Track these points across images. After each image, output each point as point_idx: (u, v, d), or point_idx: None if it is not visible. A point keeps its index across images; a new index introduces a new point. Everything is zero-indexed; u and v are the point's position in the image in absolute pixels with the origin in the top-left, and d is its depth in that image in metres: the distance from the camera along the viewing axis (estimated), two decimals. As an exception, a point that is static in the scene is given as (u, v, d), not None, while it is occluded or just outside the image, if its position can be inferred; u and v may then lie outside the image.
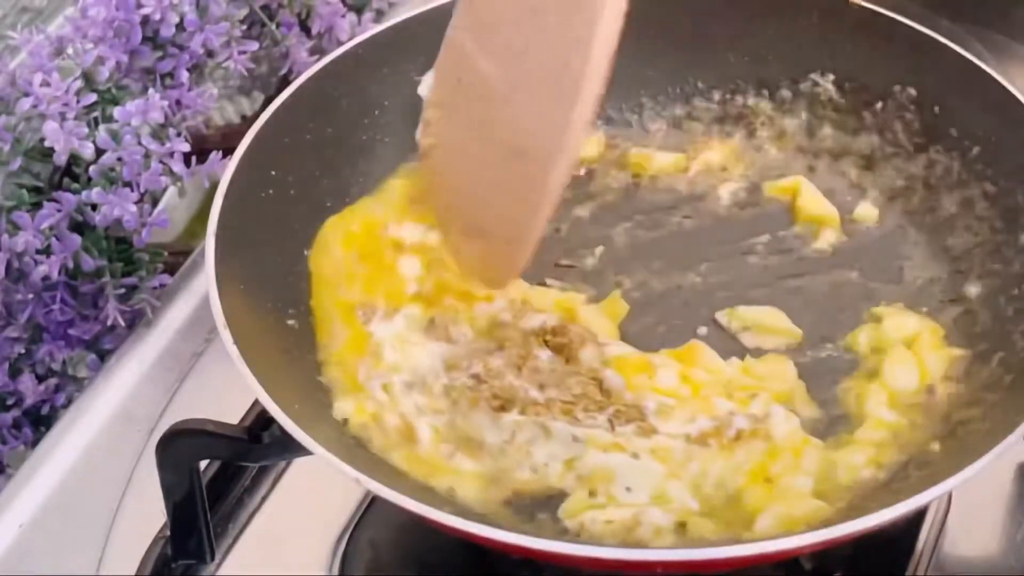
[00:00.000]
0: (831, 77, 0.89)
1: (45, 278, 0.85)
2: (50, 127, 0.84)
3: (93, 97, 0.86)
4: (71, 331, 0.89)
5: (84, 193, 0.85)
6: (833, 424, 0.75)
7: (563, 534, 0.68)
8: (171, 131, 0.87)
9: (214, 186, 0.78)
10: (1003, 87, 0.81)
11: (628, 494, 0.69)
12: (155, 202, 0.96)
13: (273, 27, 0.99)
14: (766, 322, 0.79)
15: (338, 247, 0.81)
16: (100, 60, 0.88)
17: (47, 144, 0.85)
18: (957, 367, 0.76)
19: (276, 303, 0.76)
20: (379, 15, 1.10)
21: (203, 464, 0.75)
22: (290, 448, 0.67)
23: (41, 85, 0.85)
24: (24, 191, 0.86)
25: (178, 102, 0.90)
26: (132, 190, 0.85)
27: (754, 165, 0.90)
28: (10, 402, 0.90)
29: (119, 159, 0.85)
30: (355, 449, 0.71)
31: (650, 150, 0.90)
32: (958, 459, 0.65)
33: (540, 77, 0.68)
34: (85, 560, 0.79)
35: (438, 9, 0.86)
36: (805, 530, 0.65)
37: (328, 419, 0.72)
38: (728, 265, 0.84)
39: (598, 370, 0.75)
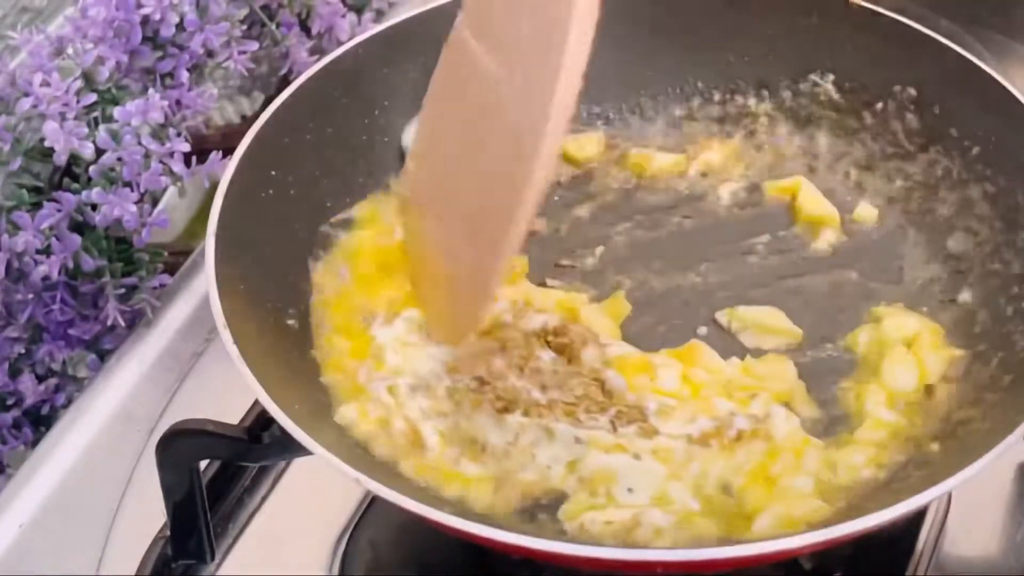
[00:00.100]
0: (831, 77, 0.89)
1: (45, 278, 0.85)
2: (50, 127, 0.84)
3: (93, 97, 0.86)
4: (71, 331, 0.89)
5: (84, 193, 0.85)
6: (833, 424, 0.75)
7: (562, 535, 0.68)
8: (171, 131, 0.87)
9: (214, 186, 0.78)
10: (1003, 87, 0.81)
11: (629, 495, 0.69)
12: (155, 202, 0.97)
13: (273, 27, 0.99)
14: (766, 322, 0.79)
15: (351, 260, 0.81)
16: (100, 60, 0.88)
17: (47, 144, 0.85)
18: (957, 367, 0.76)
19: (276, 303, 0.76)
20: (379, 15, 1.10)
21: (203, 464, 0.75)
22: (290, 448, 0.67)
23: (41, 85, 0.85)
24: (24, 191, 0.86)
25: (178, 102, 0.90)
26: (132, 190, 0.85)
27: (754, 165, 0.90)
28: (10, 402, 0.90)
29: (119, 159, 0.85)
30: (355, 449, 0.71)
31: (650, 150, 0.90)
32: (958, 459, 0.65)
33: (526, 69, 0.67)
34: (85, 560, 0.79)
35: (438, 9, 0.86)
36: (805, 530, 0.65)
37: (329, 420, 0.72)
38: (728, 265, 0.84)
39: (600, 371, 0.75)
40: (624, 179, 0.90)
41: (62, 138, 0.84)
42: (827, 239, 0.85)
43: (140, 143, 0.85)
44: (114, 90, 0.88)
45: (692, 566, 0.63)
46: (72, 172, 0.87)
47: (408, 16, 0.87)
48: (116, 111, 0.86)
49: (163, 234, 0.91)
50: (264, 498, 0.81)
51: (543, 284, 0.82)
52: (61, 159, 0.85)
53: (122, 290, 0.88)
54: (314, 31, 1.02)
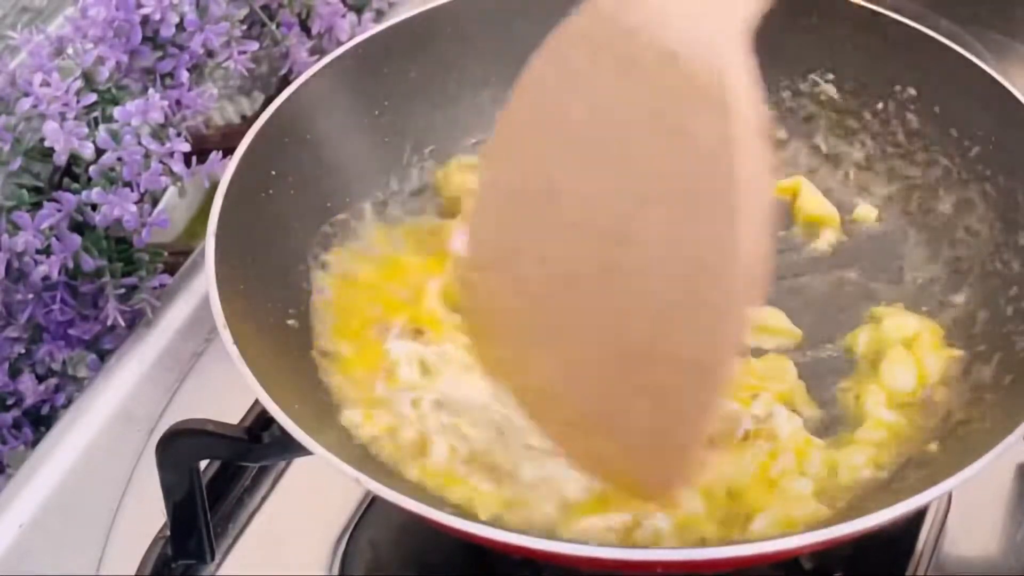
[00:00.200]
0: (831, 77, 0.89)
1: (45, 278, 0.85)
2: (50, 127, 0.84)
3: (93, 97, 0.86)
4: (71, 331, 0.89)
5: (84, 193, 0.85)
6: (833, 424, 0.75)
7: (562, 536, 0.68)
8: (171, 131, 0.87)
9: (214, 186, 0.78)
10: (1003, 87, 0.81)
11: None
12: (155, 202, 0.97)
13: (273, 27, 0.99)
14: (766, 322, 0.79)
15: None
16: (100, 60, 0.88)
17: (47, 144, 0.85)
18: (956, 367, 0.76)
19: (276, 303, 0.76)
20: (379, 15, 1.10)
21: (203, 464, 0.75)
22: (290, 448, 0.67)
23: (41, 85, 0.85)
24: (24, 191, 0.86)
25: (178, 102, 0.90)
26: (132, 190, 0.85)
27: (754, 165, 0.90)
28: (10, 402, 0.90)
29: (119, 159, 0.85)
30: (355, 449, 0.71)
31: (650, 150, 0.90)
32: (958, 459, 0.65)
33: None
34: (85, 560, 0.78)
35: (438, 9, 0.86)
36: (805, 530, 0.65)
37: (329, 420, 0.72)
38: (728, 265, 0.84)
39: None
40: (624, 179, 0.90)
41: (62, 138, 0.84)
42: (827, 239, 0.85)
43: (140, 143, 0.85)
44: (114, 90, 0.88)
45: (692, 566, 0.63)
46: (72, 172, 0.87)
47: (408, 16, 0.87)
48: (116, 111, 0.86)
49: (163, 234, 0.91)
50: (264, 498, 0.81)
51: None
52: (61, 159, 0.85)
53: (122, 290, 0.88)
54: (314, 31, 1.02)
